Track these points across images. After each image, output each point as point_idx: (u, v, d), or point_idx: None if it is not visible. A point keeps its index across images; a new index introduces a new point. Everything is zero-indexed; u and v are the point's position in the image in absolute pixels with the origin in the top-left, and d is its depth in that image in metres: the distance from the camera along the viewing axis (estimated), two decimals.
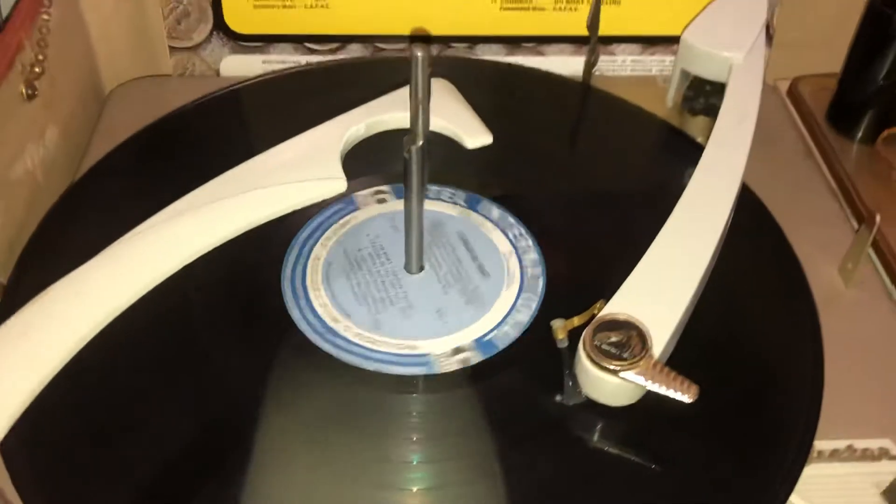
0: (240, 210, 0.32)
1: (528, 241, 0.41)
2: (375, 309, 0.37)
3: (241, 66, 0.54)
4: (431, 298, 0.38)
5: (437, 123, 0.37)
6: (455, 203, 0.42)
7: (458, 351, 0.36)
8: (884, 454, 0.34)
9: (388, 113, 0.37)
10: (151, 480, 0.31)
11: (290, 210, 0.33)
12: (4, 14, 0.44)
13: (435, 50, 0.54)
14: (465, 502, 0.31)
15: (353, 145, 0.37)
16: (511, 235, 0.41)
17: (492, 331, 0.37)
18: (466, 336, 0.36)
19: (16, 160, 0.42)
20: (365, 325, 0.36)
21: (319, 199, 0.34)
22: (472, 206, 0.42)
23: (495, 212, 0.42)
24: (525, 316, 0.37)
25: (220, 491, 0.31)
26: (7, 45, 0.42)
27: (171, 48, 0.53)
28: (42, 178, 0.45)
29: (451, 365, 0.35)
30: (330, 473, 0.31)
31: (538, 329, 0.37)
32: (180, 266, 0.30)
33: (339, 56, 0.54)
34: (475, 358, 0.36)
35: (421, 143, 0.33)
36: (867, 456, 0.34)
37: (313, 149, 0.35)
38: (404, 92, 0.38)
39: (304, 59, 0.54)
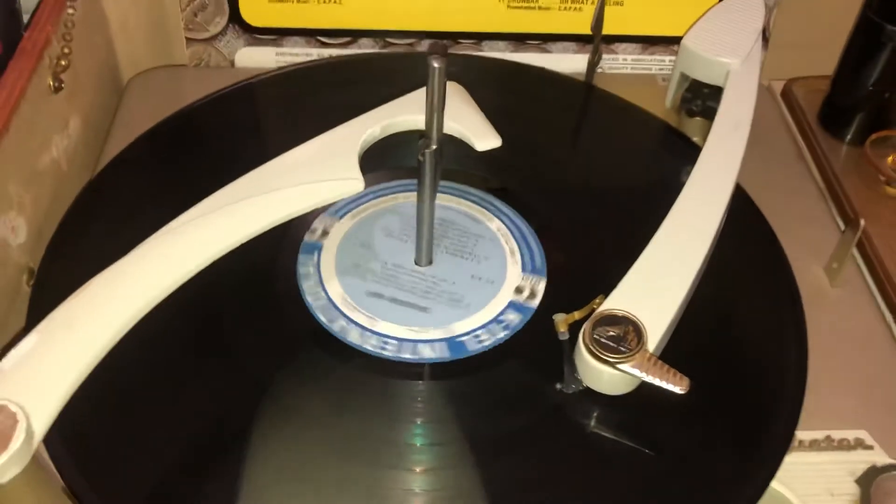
0: (267, 208, 0.34)
1: (534, 243, 0.43)
2: (387, 299, 0.39)
3: (255, 58, 0.55)
4: (437, 291, 0.40)
5: (449, 126, 0.39)
6: (464, 199, 0.44)
7: (427, 345, 0.38)
8: (859, 444, 0.36)
9: (402, 115, 0.39)
10: (174, 455, 0.34)
11: (312, 208, 0.35)
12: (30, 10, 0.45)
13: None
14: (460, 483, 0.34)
15: (369, 146, 0.39)
16: (514, 230, 0.43)
17: (493, 321, 0.39)
18: (441, 334, 0.38)
19: (43, 151, 0.44)
20: (377, 314, 0.38)
21: (339, 198, 0.36)
22: (481, 202, 0.44)
23: (502, 207, 0.44)
24: (525, 309, 0.40)
25: (234, 468, 0.33)
26: (35, 40, 0.43)
27: (188, 39, 0.55)
28: (66, 166, 0.47)
29: (459, 350, 0.38)
30: (346, 458, 0.34)
31: (536, 324, 0.39)
32: (210, 262, 0.33)
33: (351, 50, 0.55)
34: (443, 356, 0.38)
35: (435, 147, 0.35)
36: (844, 446, 0.36)
37: (332, 150, 0.37)
38: (417, 95, 0.41)
39: (316, 53, 0.55)
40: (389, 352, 0.37)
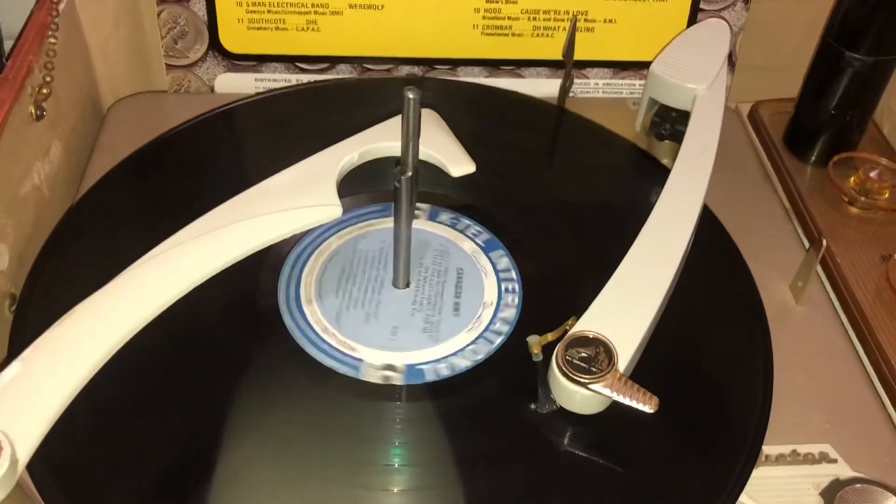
0: (248, 234, 0.35)
1: (512, 297, 0.43)
2: (346, 305, 0.40)
3: (234, 84, 0.56)
4: (396, 315, 0.41)
5: (425, 152, 0.40)
6: (475, 241, 0.45)
7: (387, 367, 0.39)
8: (823, 458, 0.37)
9: (379, 142, 0.40)
10: (151, 475, 0.34)
11: (292, 234, 0.36)
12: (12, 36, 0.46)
13: (420, 71, 0.57)
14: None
15: (346, 172, 0.40)
16: (504, 287, 0.43)
17: (428, 363, 0.39)
18: (403, 358, 0.39)
19: (25, 178, 0.45)
20: (328, 315, 0.39)
21: (318, 224, 0.37)
22: (488, 249, 0.45)
23: (505, 261, 0.44)
24: (466, 362, 0.40)
25: (215, 492, 0.34)
26: (18, 69, 0.44)
27: (168, 66, 0.55)
28: (48, 192, 0.47)
29: (375, 377, 0.38)
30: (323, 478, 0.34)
31: (511, 346, 0.40)
32: (190, 288, 0.33)
33: (329, 75, 0.56)
34: (398, 380, 0.38)
35: (410, 174, 0.37)
36: (809, 459, 0.37)
37: (311, 176, 0.38)
38: (394, 122, 0.42)
39: (294, 78, 0.56)
40: (368, 375, 0.38)
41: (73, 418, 0.31)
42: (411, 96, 0.34)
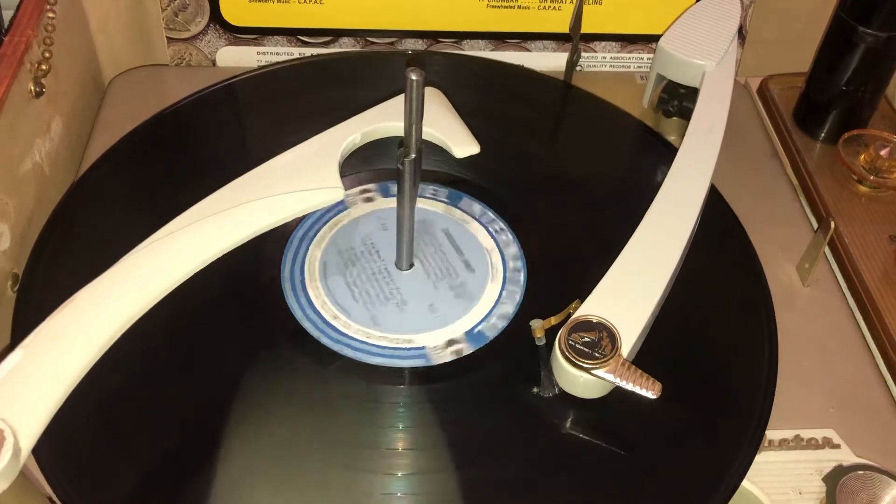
0: (249, 218, 0.34)
1: (508, 236, 0.44)
2: (372, 306, 0.40)
3: (236, 57, 0.55)
4: (423, 294, 0.41)
5: (428, 132, 0.39)
6: (438, 200, 0.45)
7: (451, 343, 0.39)
8: (827, 443, 0.37)
9: (381, 122, 0.40)
10: (158, 462, 0.35)
11: (293, 218, 0.36)
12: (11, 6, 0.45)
13: (424, 45, 0.56)
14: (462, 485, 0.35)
15: (349, 154, 0.39)
16: (492, 230, 0.44)
17: (480, 322, 0.40)
18: (457, 329, 0.39)
19: (26, 155, 0.44)
20: (363, 321, 0.39)
21: (319, 208, 0.37)
22: (454, 202, 0.45)
23: (476, 208, 0.45)
24: (510, 307, 0.41)
25: (219, 474, 0.34)
26: (16, 45, 0.43)
27: (169, 39, 0.55)
28: (49, 170, 0.47)
29: (446, 356, 0.38)
30: (339, 465, 0.34)
31: (524, 319, 0.40)
32: (191, 274, 0.33)
33: (331, 49, 0.56)
34: (467, 349, 0.39)
35: (414, 156, 0.36)
36: (812, 444, 0.37)
37: (312, 158, 0.38)
38: (396, 101, 0.41)
39: (297, 52, 0.56)
40: (372, 356, 0.38)
41: (77, 402, 0.31)
42: (414, 78, 0.33)
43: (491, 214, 0.45)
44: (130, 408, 0.36)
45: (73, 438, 0.34)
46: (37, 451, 0.33)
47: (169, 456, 0.35)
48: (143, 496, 0.34)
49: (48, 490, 0.33)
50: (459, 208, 0.45)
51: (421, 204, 0.44)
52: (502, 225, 0.44)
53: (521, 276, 0.42)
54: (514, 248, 0.43)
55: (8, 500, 0.28)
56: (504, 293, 0.41)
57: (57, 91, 0.48)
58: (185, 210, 0.36)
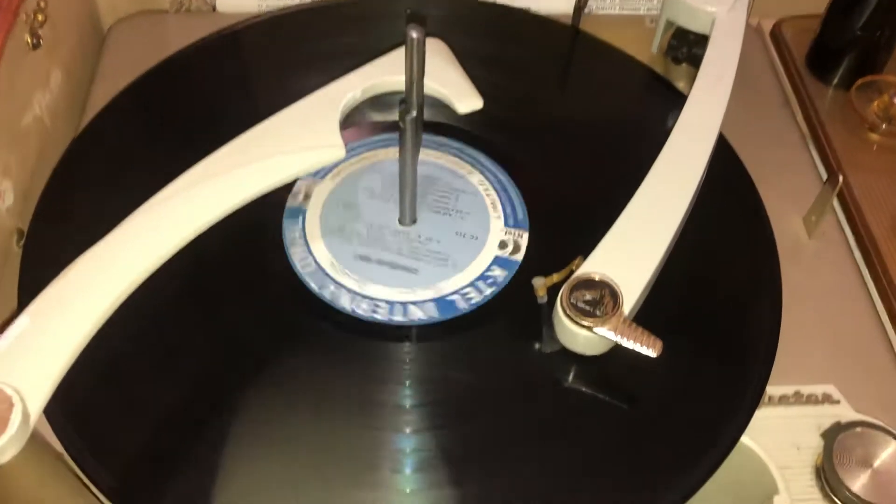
0: (250, 179, 0.34)
1: (512, 190, 0.43)
2: (374, 260, 0.40)
3: (236, 2, 0.54)
4: (426, 249, 0.41)
5: (430, 87, 0.39)
6: (441, 152, 0.45)
7: (452, 298, 0.39)
8: (827, 399, 0.38)
9: (383, 77, 0.39)
10: (168, 418, 0.35)
11: (293, 178, 0.36)
12: None
13: None
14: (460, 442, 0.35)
15: (349, 110, 0.39)
16: (496, 184, 0.43)
17: (475, 281, 0.40)
18: (460, 283, 0.40)
19: (25, 110, 0.44)
20: (365, 275, 0.39)
21: (320, 167, 0.36)
22: (457, 154, 0.45)
23: (480, 160, 0.44)
24: (513, 263, 0.41)
25: (226, 429, 0.35)
26: None
27: None
28: (50, 122, 0.47)
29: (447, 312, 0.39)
30: (335, 420, 0.35)
31: (526, 275, 0.40)
32: (194, 236, 0.33)
33: None
34: (469, 305, 0.39)
35: (415, 113, 0.36)
36: (811, 401, 0.38)
37: (313, 115, 0.37)
38: (398, 55, 0.40)
39: None
40: (380, 315, 0.38)
41: (85, 360, 0.31)
42: (415, 36, 0.32)
43: (494, 167, 0.44)
44: (138, 365, 0.37)
45: (81, 396, 0.35)
46: (46, 409, 0.34)
47: (177, 411, 0.36)
48: (153, 450, 0.34)
49: (59, 448, 0.34)
50: (463, 160, 0.45)
51: (423, 156, 0.44)
52: (506, 178, 0.44)
53: (525, 231, 0.42)
54: (517, 202, 0.43)
55: (20, 461, 0.28)
56: (508, 248, 0.41)
57: (55, 41, 0.47)
58: (189, 162, 0.36)
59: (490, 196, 0.43)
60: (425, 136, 0.45)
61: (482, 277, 0.40)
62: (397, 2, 0.53)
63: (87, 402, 0.35)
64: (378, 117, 0.45)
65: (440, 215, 0.42)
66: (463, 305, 0.39)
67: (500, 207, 0.43)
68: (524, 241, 0.42)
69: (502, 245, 0.42)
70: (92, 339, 0.31)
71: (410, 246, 0.41)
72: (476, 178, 0.44)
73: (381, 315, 0.38)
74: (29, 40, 0.44)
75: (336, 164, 0.43)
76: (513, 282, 0.40)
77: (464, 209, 0.42)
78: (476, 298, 0.39)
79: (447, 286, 0.40)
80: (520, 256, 0.41)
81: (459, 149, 0.45)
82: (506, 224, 0.42)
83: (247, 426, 0.35)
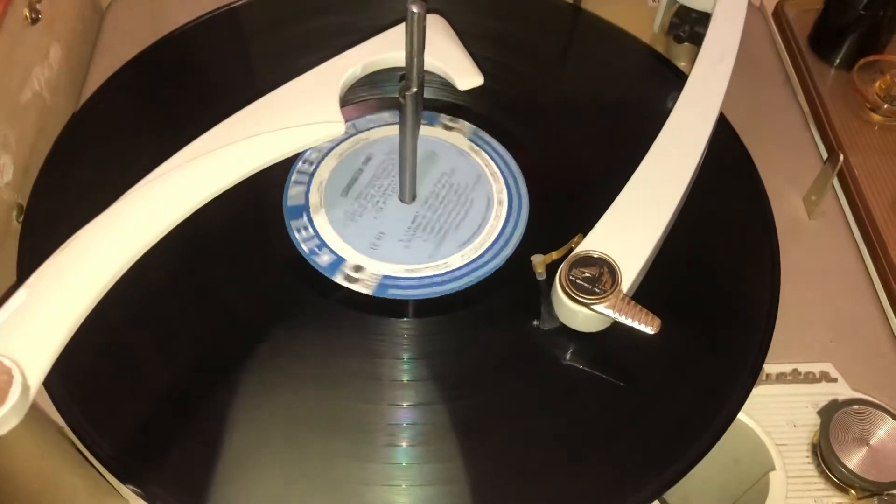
0: (250, 153, 0.34)
1: (512, 167, 0.43)
2: (374, 236, 0.40)
3: None
4: (426, 225, 0.41)
5: (431, 63, 0.38)
6: (442, 128, 0.45)
7: (453, 275, 0.39)
8: (824, 377, 0.38)
9: (383, 53, 0.39)
10: (167, 391, 0.36)
11: (293, 153, 0.36)
12: None
13: None
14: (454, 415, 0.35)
15: (350, 85, 0.39)
16: (496, 161, 0.43)
17: (475, 259, 0.40)
18: (459, 261, 0.40)
19: (24, 85, 0.44)
20: (365, 252, 0.39)
21: (320, 142, 0.36)
22: (458, 131, 0.45)
23: (480, 137, 0.44)
24: (513, 241, 0.41)
25: (226, 403, 0.35)
26: None
27: None
28: (49, 98, 0.46)
29: (447, 288, 0.39)
30: (333, 393, 0.35)
31: (525, 252, 0.40)
32: (194, 209, 0.33)
33: None
34: (468, 282, 0.39)
35: (415, 90, 0.35)
36: (809, 378, 0.38)
37: (313, 91, 0.37)
38: (398, 31, 0.40)
39: None
40: (377, 290, 0.38)
41: (85, 333, 0.32)
42: (415, 10, 0.32)
43: (495, 144, 0.44)
44: (138, 337, 0.37)
45: (81, 368, 0.35)
46: (46, 381, 0.34)
47: (177, 385, 0.36)
48: (152, 422, 0.35)
49: (59, 420, 0.34)
50: (463, 138, 0.44)
51: (424, 132, 0.44)
52: (506, 155, 0.44)
53: (525, 209, 0.42)
54: (518, 179, 0.43)
55: (20, 433, 0.28)
56: (507, 226, 0.41)
57: (54, 16, 0.47)
58: (187, 138, 0.36)
59: (491, 170, 0.43)
60: (425, 113, 0.45)
61: (482, 255, 0.40)
62: None
63: (87, 375, 0.35)
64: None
65: (440, 192, 0.42)
66: (463, 282, 0.39)
67: (501, 182, 0.43)
68: (524, 217, 0.42)
69: (500, 204, 0.42)
70: (91, 312, 0.31)
71: (410, 223, 0.41)
72: (477, 155, 0.44)
73: (378, 290, 0.38)
74: (28, 15, 0.44)
75: (341, 139, 0.43)
76: (512, 258, 0.40)
77: (464, 185, 0.42)
78: (475, 275, 0.39)
79: (447, 263, 0.40)
80: (520, 232, 0.41)
81: (461, 125, 0.45)
82: (508, 201, 0.42)
83: (245, 398, 0.35)
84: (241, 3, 0.50)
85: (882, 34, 0.50)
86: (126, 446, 0.34)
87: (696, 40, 0.47)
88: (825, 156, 0.47)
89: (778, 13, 0.54)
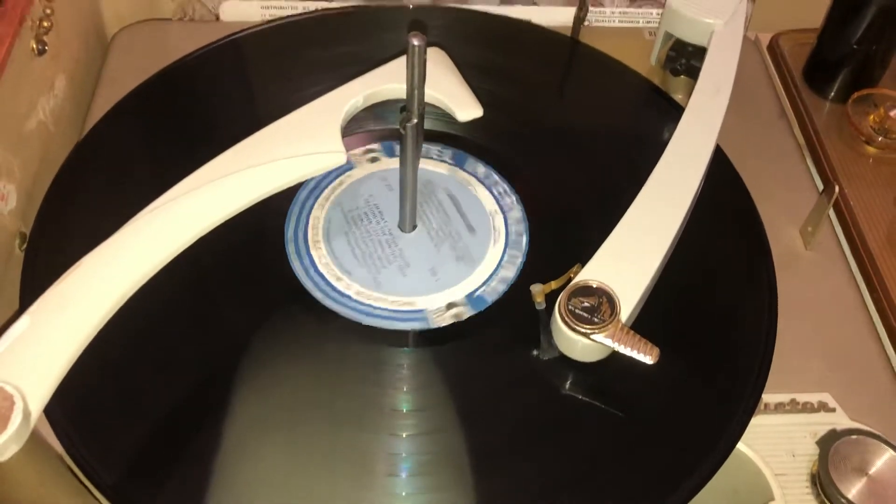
0: (252, 183, 0.35)
1: (512, 198, 0.44)
2: (375, 268, 0.40)
3: (240, 12, 0.55)
4: (425, 256, 0.41)
5: (431, 95, 0.39)
6: (442, 161, 0.45)
7: (451, 306, 0.39)
8: (822, 407, 0.38)
9: (384, 85, 0.39)
10: (166, 419, 0.35)
11: (295, 182, 0.36)
12: None
13: None
14: (456, 447, 0.35)
15: (351, 116, 0.39)
16: (496, 192, 0.44)
17: (481, 286, 0.40)
18: (458, 292, 0.40)
19: (30, 114, 0.44)
20: (365, 283, 0.40)
21: (322, 172, 0.37)
22: (458, 163, 0.45)
23: (480, 169, 0.45)
24: (511, 272, 0.41)
25: (224, 431, 0.35)
26: (16, 2, 0.43)
27: None
28: (53, 127, 0.47)
29: (445, 319, 0.39)
30: (333, 424, 0.35)
31: (524, 284, 0.40)
32: (195, 239, 0.33)
33: (336, 3, 0.55)
34: (467, 312, 0.39)
35: (416, 120, 0.36)
36: (807, 408, 0.38)
37: (315, 121, 0.38)
38: (399, 63, 0.41)
39: (301, 6, 0.55)
40: (377, 320, 0.39)
41: (85, 360, 0.32)
42: (416, 43, 0.33)
43: (495, 176, 0.45)
44: (138, 366, 0.37)
45: (81, 396, 0.35)
46: (46, 409, 0.34)
47: (176, 413, 0.36)
48: (152, 451, 0.35)
49: (59, 447, 0.34)
50: (463, 169, 0.45)
51: (424, 165, 0.44)
52: (506, 187, 0.44)
53: (524, 240, 0.42)
54: (517, 211, 0.43)
55: (20, 460, 0.28)
56: (506, 256, 0.42)
57: (60, 48, 0.48)
58: (190, 167, 0.36)
59: (490, 205, 0.44)
60: (427, 146, 0.45)
61: (480, 285, 0.40)
62: (399, 12, 0.54)
63: (87, 402, 0.35)
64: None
65: (440, 223, 0.42)
66: (456, 315, 0.39)
67: (500, 215, 0.43)
68: (524, 245, 0.42)
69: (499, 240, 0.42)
70: (91, 339, 0.31)
71: (409, 253, 0.41)
72: (477, 188, 0.44)
73: (378, 321, 0.39)
74: (35, 46, 0.44)
75: (341, 171, 0.44)
76: (511, 289, 0.40)
77: (464, 217, 0.43)
78: (474, 306, 0.40)
79: (443, 297, 0.40)
80: (518, 262, 0.41)
81: (461, 158, 0.45)
82: (505, 231, 0.43)
83: (245, 428, 0.35)
84: (244, 34, 0.51)
85: (875, 68, 0.51)
86: (125, 475, 0.33)
87: (693, 73, 0.48)
88: (821, 187, 0.48)
89: (773, 47, 0.55)
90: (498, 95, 0.46)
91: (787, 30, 0.56)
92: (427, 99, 0.38)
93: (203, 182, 0.34)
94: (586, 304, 0.36)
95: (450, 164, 0.45)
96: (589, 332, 0.35)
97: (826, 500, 0.35)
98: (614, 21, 0.56)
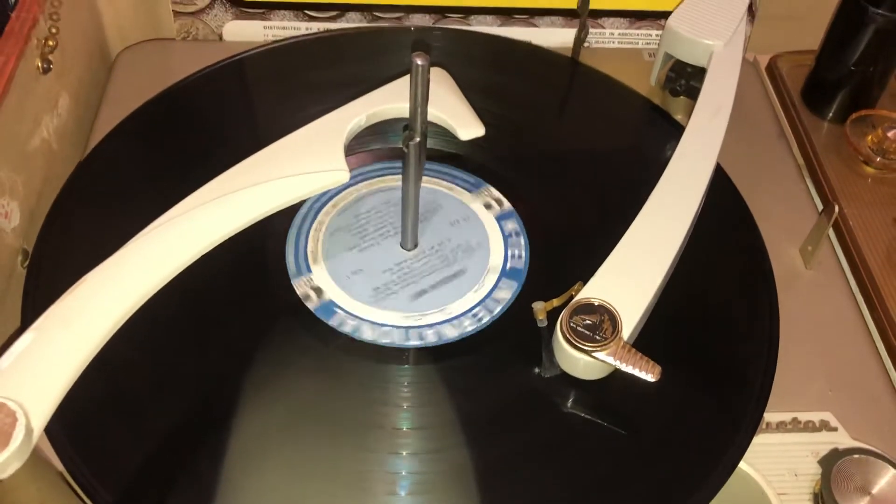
0: (256, 201, 0.35)
1: (513, 217, 0.44)
2: (376, 284, 0.40)
3: (243, 31, 0.55)
4: (426, 274, 0.41)
5: (433, 114, 0.39)
6: (443, 179, 0.45)
7: (453, 323, 0.39)
8: (824, 426, 0.38)
9: (387, 104, 0.40)
10: (167, 439, 0.35)
11: (299, 200, 0.36)
12: None
13: (431, 20, 0.56)
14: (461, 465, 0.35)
15: (354, 135, 0.39)
16: (496, 211, 0.44)
17: (480, 303, 0.40)
18: (460, 309, 0.40)
19: (33, 132, 0.44)
20: (367, 300, 0.40)
21: (325, 189, 0.37)
22: (459, 182, 0.45)
23: (481, 187, 0.45)
24: (512, 290, 0.41)
25: (227, 450, 0.35)
26: (22, 21, 0.43)
27: (175, 13, 0.54)
28: (57, 145, 0.47)
29: (448, 336, 0.39)
30: (333, 441, 0.35)
31: (525, 302, 0.40)
32: (199, 255, 0.34)
33: (338, 24, 0.55)
34: (470, 330, 0.39)
35: (419, 139, 0.36)
36: (809, 427, 0.38)
37: (318, 140, 0.38)
38: (402, 83, 0.41)
39: (304, 26, 0.55)
40: (378, 339, 0.39)
41: (87, 378, 0.32)
42: (419, 63, 0.33)
43: (496, 194, 0.45)
44: (139, 383, 0.37)
45: (83, 414, 0.35)
46: (47, 426, 0.34)
47: (176, 432, 0.36)
48: (151, 469, 0.34)
49: (58, 464, 0.34)
50: (464, 188, 0.45)
51: (426, 183, 0.45)
52: (507, 205, 0.44)
53: (525, 258, 0.42)
54: (517, 228, 0.44)
55: (21, 477, 0.28)
56: (506, 275, 0.42)
57: (64, 67, 0.48)
58: (193, 186, 0.37)
59: (490, 224, 0.44)
60: (429, 165, 0.45)
61: (481, 304, 0.40)
62: (401, 33, 0.55)
63: (88, 420, 0.35)
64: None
65: (442, 240, 0.43)
66: (461, 331, 0.39)
67: (499, 233, 0.43)
68: (524, 265, 0.42)
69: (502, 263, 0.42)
70: (94, 357, 0.31)
71: (411, 270, 0.41)
72: (477, 206, 0.44)
73: (379, 339, 0.39)
74: (39, 65, 0.45)
75: (343, 188, 0.44)
76: (512, 307, 0.40)
77: (465, 236, 0.43)
78: (474, 326, 0.40)
79: (446, 312, 0.40)
80: (519, 283, 0.42)
81: (462, 176, 0.46)
82: (506, 250, 0.43)
83: (245, 446, 0.35)
84: (247, 54, 0.51)
85: (873, 89, 0.51)
86: (126, 494, 0.33)
87: (692, 94, 0.49)
88: (820, 207, 0.48)
89: (771, 68, 0.56)
90: (499, 114, 0.47)
91: (785, 51, 0.56)
92: (429, 118, 0.38)
93: (207, 199, 0.34)
94: (588, 322, 0.36)
95: (450, 182, 0.45)
96: (591, 349, 0.35)
97: None
98: (614, 42, 0.57)
